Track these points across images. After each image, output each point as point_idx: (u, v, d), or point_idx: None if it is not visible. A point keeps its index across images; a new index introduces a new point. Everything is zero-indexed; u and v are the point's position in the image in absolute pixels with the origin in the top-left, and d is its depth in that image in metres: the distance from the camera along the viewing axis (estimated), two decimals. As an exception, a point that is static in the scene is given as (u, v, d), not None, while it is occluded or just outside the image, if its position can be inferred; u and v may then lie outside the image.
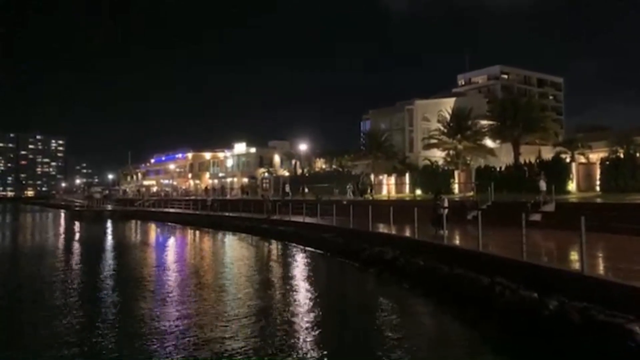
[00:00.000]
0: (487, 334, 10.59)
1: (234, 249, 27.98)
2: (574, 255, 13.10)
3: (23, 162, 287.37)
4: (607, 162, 29.24)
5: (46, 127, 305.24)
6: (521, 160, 37.69)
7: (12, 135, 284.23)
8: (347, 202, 31.10)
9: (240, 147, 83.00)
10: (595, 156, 38.29)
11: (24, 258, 25.74)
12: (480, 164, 40.01)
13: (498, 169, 34.59)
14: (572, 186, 29.87)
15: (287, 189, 49.65)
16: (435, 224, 18.98)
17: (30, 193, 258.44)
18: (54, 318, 12.16)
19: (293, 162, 70.01)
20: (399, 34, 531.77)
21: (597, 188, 28.80)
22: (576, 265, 11.41)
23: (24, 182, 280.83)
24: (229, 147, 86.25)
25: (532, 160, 34.07)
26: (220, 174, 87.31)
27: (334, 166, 59.91)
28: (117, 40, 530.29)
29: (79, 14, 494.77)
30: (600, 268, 11.69)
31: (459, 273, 13.48)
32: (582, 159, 38.93)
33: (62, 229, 47.12)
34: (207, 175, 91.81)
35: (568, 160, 35.36)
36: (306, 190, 45.59)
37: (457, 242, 18.10)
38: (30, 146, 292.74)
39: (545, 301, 10.02)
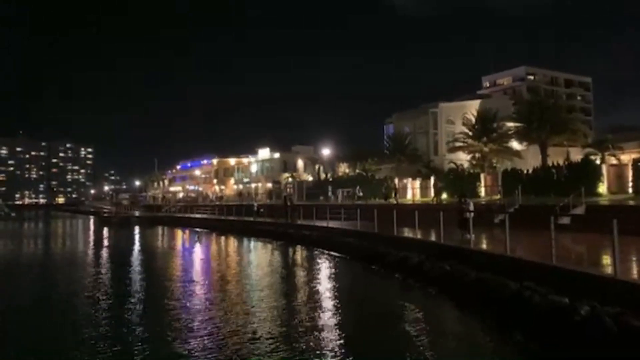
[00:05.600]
0: (515, 340, 10.37)
1: (259, 254, 28.16)
2: (606, 259, 12.77)
3: (54, 170, 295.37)
4: (640, 163, 28.44)
5: (76, 135, 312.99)
6: (549, 162, 37.00)
7: (43, 144, 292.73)
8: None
9: (264, 153, 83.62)
10: (627, 157, 37.29)
11: (59, 261, 26.54)
12: (507, 166, 39.43)
13: (525, 172, 34.00)
14: (602, 188, 29.12)
15: (330, 193, 49.69)
16: (461, 228, 18.76)
17: (61, 200, 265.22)
18: (85, 319, 12.47)
19: (316, 167, 70.16)
20: (420, 36, 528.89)
21: (630, 190, 28.02)
22: (608, 270, 11.12)
23: (55, 189, 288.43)
24: (253, 152, 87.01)
25: (560, 162, 33.41)
26: (245, 180, 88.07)
27: (357, 170, 59.78)
28: (141, 48, 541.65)
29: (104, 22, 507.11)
30: (634, 272, 11.36)
31: (487, 278, 13.27)
32: (613, 160, 37.98)
33: (93, 235, 48.18)
34: (232, 180, 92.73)
35: (598, 161, 34.55)
36: (360, 193, 44.91)
37: (484, 246, 17.85)
38: (61, 154, 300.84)
39: (576, 306, 9.77)
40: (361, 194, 43.98)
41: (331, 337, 10.81)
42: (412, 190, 43.56)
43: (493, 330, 11.30)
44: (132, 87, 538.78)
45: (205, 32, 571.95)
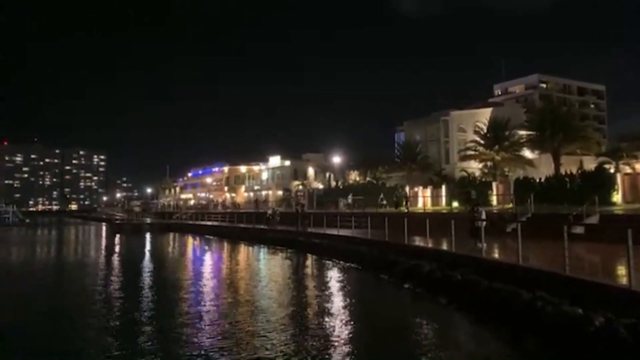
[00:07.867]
0: (528, 352, 10.23)
1: (268, 263, 28.14)
2: (621, 270, 12.58)
3: (67, 177, 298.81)
4: (655, 172, 28.08)
5: (88, 143, 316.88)
6: (562, 171, 36.65)
7: (57, 151, 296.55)
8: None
9: (275, 161, 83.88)
10: (642, 166, 36.89)
11: (75, 268, 26.81)
12: (519, 175, 39.11)
13: (538, 180, 33.70)
14: (617, 197, 28.77)
15: (350, 200, 47.85)
16: (473, 237, 18.61)
17: (73, 206, 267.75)
18: (98, 322, 12.56)
19: (327, 174, 70.19)
20: (421, 35, 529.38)
21: (645, 199, 27.65)
22: (623, 280, 10.96)
23: (67, 196, 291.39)
24: (264, 160, 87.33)
25: (574, 171, 33.09)
26: (256, 187, 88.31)
27: (368, 178, 59.68)
28: (153, 57, 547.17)
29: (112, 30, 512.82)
30: (650, 283, 11.16)
31: (498, 287, 13.13)
32: (628, 169, 37.55)
33: (105, 242, 48.49)
34: (243, 188, 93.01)
35: (612, 170, 34.17)
36: (384, 201, 44.17)
37: (496, 255, 17.69)
38: (74, 161, 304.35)
39: (590, 317, 9.63)
40: (385, 202, 43.56)
41: (342, 350, 10.73)
42: (423, 199, 43.28)
43: (505, 340, 11.15)
44: (143, 91, 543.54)
45: (207, 32, 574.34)
